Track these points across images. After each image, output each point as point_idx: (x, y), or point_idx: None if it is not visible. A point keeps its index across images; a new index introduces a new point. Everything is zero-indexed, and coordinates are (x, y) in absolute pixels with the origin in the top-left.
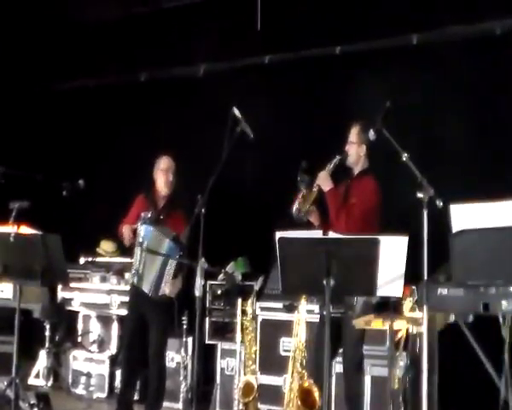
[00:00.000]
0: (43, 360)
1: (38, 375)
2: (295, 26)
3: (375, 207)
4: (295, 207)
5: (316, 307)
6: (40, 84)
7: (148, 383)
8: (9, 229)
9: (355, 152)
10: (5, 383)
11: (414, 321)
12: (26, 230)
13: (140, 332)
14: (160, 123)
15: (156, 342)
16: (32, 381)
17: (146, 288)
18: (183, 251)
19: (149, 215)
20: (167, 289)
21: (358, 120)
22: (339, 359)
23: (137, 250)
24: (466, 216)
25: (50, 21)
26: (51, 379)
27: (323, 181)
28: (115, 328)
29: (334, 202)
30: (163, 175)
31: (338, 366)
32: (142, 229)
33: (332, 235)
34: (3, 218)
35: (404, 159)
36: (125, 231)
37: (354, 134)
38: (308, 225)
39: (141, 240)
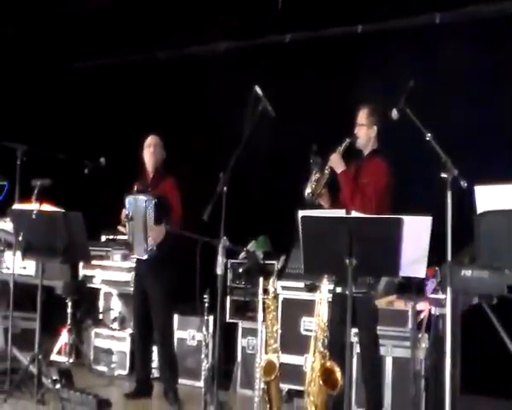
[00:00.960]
0: (64, 337)
1: (60, 351)
2: (316, 5)
3: (386, 187)
4: (308, 190)
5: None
6: (60, 63)
7: (158, 359)
8: (32, 206)
9: (365, 134)
10: (28, 359)
11: (437, 302)
12: (48, 207)
13: (146, 308)
14: (180, 101)
15: (158, 318)
16: (54, 357)
17: (138, 253)
18: (158, 199)
19: (135, 189)
20: (152, 238)
21: (367, 103)
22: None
23: (126, 224)
24: (491, 197)
25: (69, 2)
26: (73, 356)
27: (336, 163)
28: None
29: (348, 183)
30: (146, 151)
31: (359, 347)
32: (126, 202)
33: (355, 214)
34: (26, 195)
35: (428, 138)
36: (122, 217)
37: (363, 117)
38: (319, 208)
39: (127, 212)
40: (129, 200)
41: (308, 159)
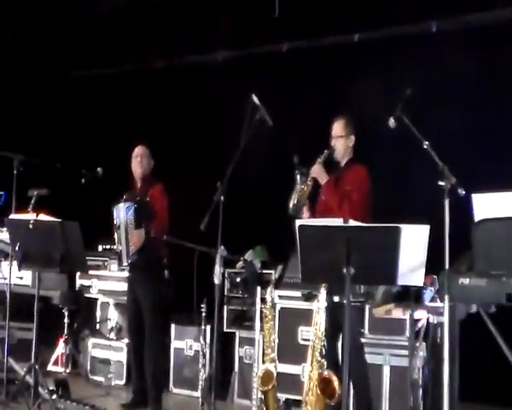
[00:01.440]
0: (61, 347)
1: (57, 362)
2: (313, 14)
3: (368, 193)
4: (294, 201)
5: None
6: (58, 72)
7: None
8: (28, 216)
9: (343, 145)
10: (25, 370)
11: (434, 311)
12: (44, 217)
13: (138, 318)
14: (178, 110)
15: (147, 326)
16: (50, 367)
17: (125, 261)
18: (138, 204)
19: (124, 197)
20: (132, 242)
21: (341, 114)
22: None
23: (115, 234)
24: (488, 205)
25: (68, 11)
26: (70, 366)
27: (319, 174)
28: None
29: (334, 192)
30: (134, 161)
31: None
32: (113, 212)
33: (352, 223)
34: (23, 205)
35: (425, 147)
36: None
37: (340, 128)
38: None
39: (115, 222)
40: (115, 209)
41: (292, 170)
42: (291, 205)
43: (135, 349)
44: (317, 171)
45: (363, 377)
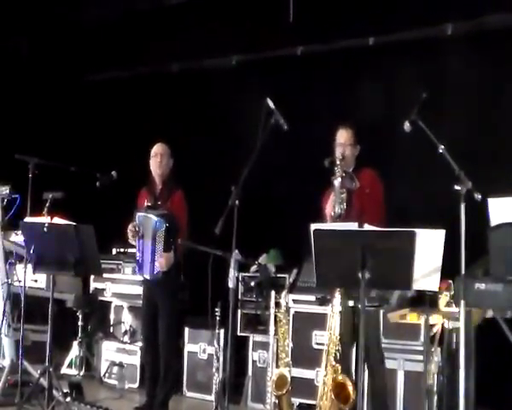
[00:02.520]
0: (75, 350)
1: (71, 365)
2: (328, 18)
3: (383, 194)
4: (338, 210)
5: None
6: (72, 75)
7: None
8: (43, 219)
9: (351, 153)
10: (39, 372)
11: (450, 316)
12: (59, 220)
13: (155, 322)
14: (192, 114)
15: (162, 329)
16: (64, 370)
17: (146, 273)
18: (169, 223)
19: (146, 204)
20: (159, 264)
21: (347, 122)
22: None
23: (137, 241)
24: (504, 209)
25: (83, 15)
26: (83, 369)
27: (356, 179)
28: None
29: (366, 199)
30: (153, 161)
31: None
32: (136, 218)
33: (367, 227)
34: (37, 208)
35: (441, 151)
36: (128, 228)
37: (349, 137)
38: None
39: (137, 229)
40: (139, 217)
41: (328, 175)
42: (336, 212)
43: (150, 353)
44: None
45: (383, 387)
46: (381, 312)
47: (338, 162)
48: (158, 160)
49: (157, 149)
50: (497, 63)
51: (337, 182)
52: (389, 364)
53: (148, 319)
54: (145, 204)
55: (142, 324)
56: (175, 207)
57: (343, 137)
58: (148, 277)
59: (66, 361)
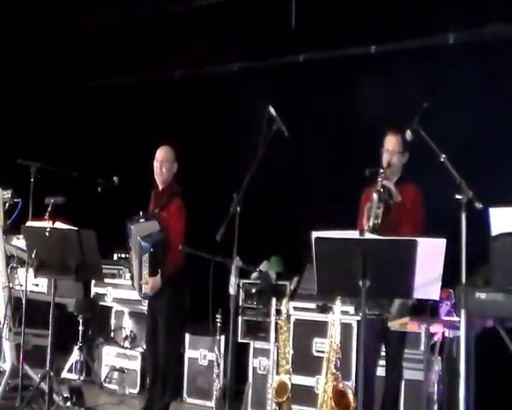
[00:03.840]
0: (76, 355)
1: (72, 369)
2: (330, 25)
3: (424, 215)
4: (375, 221)
5: (350, 309)
6: (74, 81)
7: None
8: (45, 224)
9: (399, 161)
10: (39, 376)
11: (451, 325)
12: (61, 225)
13: (156, 329)
14: (194, 121)
15: (162, 337)
16: (65, 375)
17: (135, 287)
18: (155, 245)
19: (140, 213)
20: (145, 288)
21: (396, 128)
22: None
23: (130, 253)
24: (506, 219)
25: (85, 21)
26: (84, 374)
27: (396, 192)
28: None
29: (404, 214)
30: (154, 166)
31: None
32: (127, 229)
33: (368, 236)
34: (39, 213)
35: (442, 160)
36: None
37: (398, 143)
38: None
39: (129, 240)
40: (129, 228)
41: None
42: (371, 223)
43: (151, 359)
44: (394, 189)
45: (395, 400)
46: None
47: (382, 170)
48: (158, 165)
49: (158, 155)
50: (497, 72)
51: (375, 195)
52: None
53: (150, 326)
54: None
55: (146, 330)
56: (171, 216)
57: (391, 143)
58: (137, 292)
59: (67, 366)
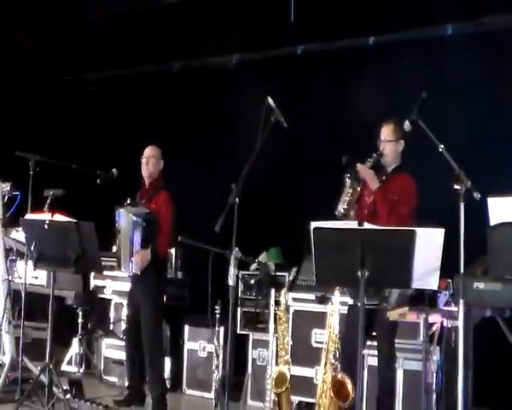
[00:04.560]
0: (75, 347)
1: (71, 362)
2: (328, 17)
3: (415, 206)
4: (344, 206)
5: (349, 299)
6: (74, 74)
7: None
8: (44, 216)
9: (392, 150)
10: (39, 369)
11: (449, 315)
12: (60, 217)
13: (137, 319)
14: (193, 112)
15: (144, 329)
16: (64, 367)
17: (124, 269)
18: (147, 222)
19: (127, 201)
20: (135, 261)
21: (391, 118)
22: (372, 352)
23: (117, 236)
24: (504, 209)
25: (83, 13)
26: (83, 366)
27: (371, 179)
28: None
29: (384, 201)
30: (142, 163)
31: (370, 359)
32: (116, 214)
33: (367, 226)
34: (38, 205)
35: (441, 150)
36: None
37: (390, 132)
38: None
39: (116, 225)
40: (118, 212)
41: (341, 174)
42: (340, 209)
43: (131, 348)
44: (370, 176)
45: (391, 389)
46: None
47: (370, 159)
48: (144, 161)
49: (145, 153)
50: (496, 63)
51: (347, 180)
52: None
53: (131, 316)
54: (127, 202)
55: (126, 320)
56: (158, 208)
57: (383, 132)
58: (126, 273)
59: (66, 358)
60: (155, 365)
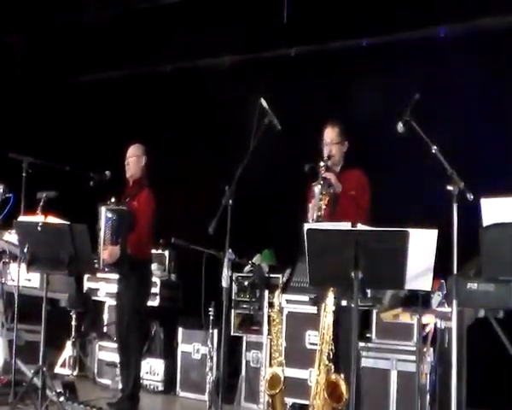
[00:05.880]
0: (69, 350)
1: (65, 364)
2: (322, 19)
3: (370, 198)
4: (318, 213)
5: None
6: (66, 76)
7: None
8: (37, 218)
9: (339, 151)
10: (32, 372)
11: (442, 316)
12: (53, 219)
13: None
14: (186, 114)
15: (127, 326)
16: (58, 370)
17: (100, 265)
18: (120, 218)
19: (111, 200)
20: (103, 255)
21: (334, 120)
22: (365, 353)
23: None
24: (497, 210)
25: (78, 15)
26: (77, 369)
27: (336, 182)
28: None
29: (347, 199)
30: (125, 164)
31: (364, 360)
32: (98, 212)
33: (361, 227)
34: (31, 207)
35: (434, 151)
36: None
37: (336, 135)
38: None
39: (98, 223)
40: (100, 210)
41: (309, 179)
42: (315, 217)
43: (121, 351)
44: (335, 180)
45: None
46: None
47: (322, 163)
48: (126, 163)
49: (128, 153)
50: (491, 65)
51: (316, 188)
52: (382, 364)
53: (119, 320)
54: (111, 200)
55: (115, 322)
56: (140, 204)
57: (329, 135)
58: (100, 267)
59: (60, 361)
60: (130, 365)
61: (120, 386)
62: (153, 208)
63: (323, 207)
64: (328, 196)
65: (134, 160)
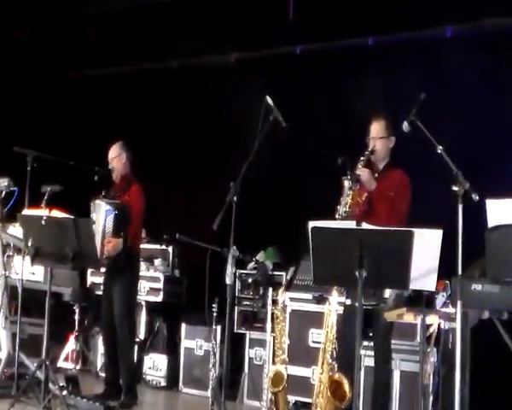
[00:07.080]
0: (72, 344)
1: (68, 358)
2: (327, 17)
3: (411, 201)
4: (345, 209)
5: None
6: (73, 70)
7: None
8: (41, 212)
9: (384, 146)
10: (35, 365)
11: (446, 316)
12: (57, 213)
13: (111, 313)
14: (191, 111)
15: (116, 319)
16: (61, 364)
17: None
18: (119, 211)
19: (103, 194)
20: (106, 247)
21: (380, 114)
22: (369, 352)
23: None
24: (502, 211)
25: (84, 10)
26: (80, 363)
27: (369, 180)
28: (143, 314)
29: (383, 200)
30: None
31: (367, 359)
32: (91, 205)
33: (365, 226)
34: (36, 201)
35: (439, 151)
36: None
37: (381, 128)
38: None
39: (91, 216)
40: (93, 204)
41: (339, 174)
42: (342, 212)
43: (107, 343)
44: (367, 177)
45: (386, 389)
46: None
47: (362, 157)
48: (110, 167)
49: (109, 154)
50: (495, 66)
51: (347, 183)
52: None
53: (106, 309)
54: (102, 194)
55: (101, 316)
56: (131, 200)
57: (374, 129)
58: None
59: (63, 355)
60: (124, 357)
61: (105, 379)
62: (143, 202)
63: (350, 203)
64: (363, 193)
65: (116, 160)
